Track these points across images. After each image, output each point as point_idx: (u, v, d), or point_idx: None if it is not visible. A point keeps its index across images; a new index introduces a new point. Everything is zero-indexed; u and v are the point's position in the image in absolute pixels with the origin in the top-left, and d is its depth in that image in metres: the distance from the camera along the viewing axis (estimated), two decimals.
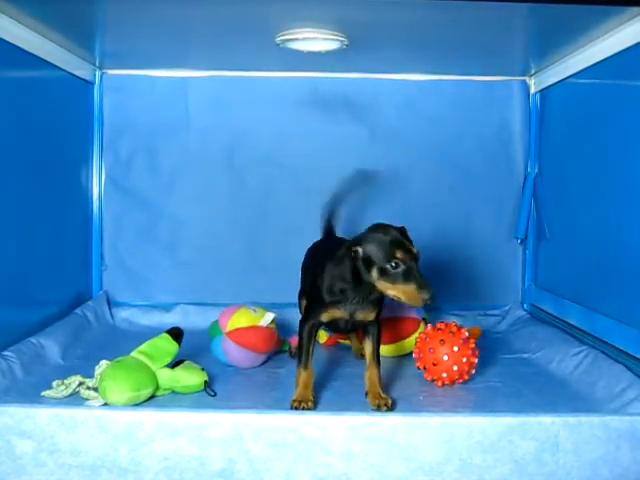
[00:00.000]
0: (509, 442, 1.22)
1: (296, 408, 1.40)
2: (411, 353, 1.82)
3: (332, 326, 1.57)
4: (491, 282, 2.33)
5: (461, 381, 1.62)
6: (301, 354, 1.50)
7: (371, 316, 1.52)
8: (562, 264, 2.06)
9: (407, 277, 1.37)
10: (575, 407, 1.44)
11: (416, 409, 1.44)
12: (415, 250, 1.41)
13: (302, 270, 1.80)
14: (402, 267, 1.38)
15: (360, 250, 1.41)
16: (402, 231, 1.44)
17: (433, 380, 1.62)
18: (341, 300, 1.48)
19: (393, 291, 1.39)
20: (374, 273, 1.40)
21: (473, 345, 1.62)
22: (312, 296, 1.55)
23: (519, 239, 2.31)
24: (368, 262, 1.40)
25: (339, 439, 1.21)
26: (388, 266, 1.38)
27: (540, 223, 2.22)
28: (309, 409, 1.40)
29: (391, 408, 1.44)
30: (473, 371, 1.63)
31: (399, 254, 1.38)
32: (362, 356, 1.84)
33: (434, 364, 1.60)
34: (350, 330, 1.63)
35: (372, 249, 1.40)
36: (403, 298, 1.39)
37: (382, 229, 1.43)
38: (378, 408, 1.43)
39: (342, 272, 1.45)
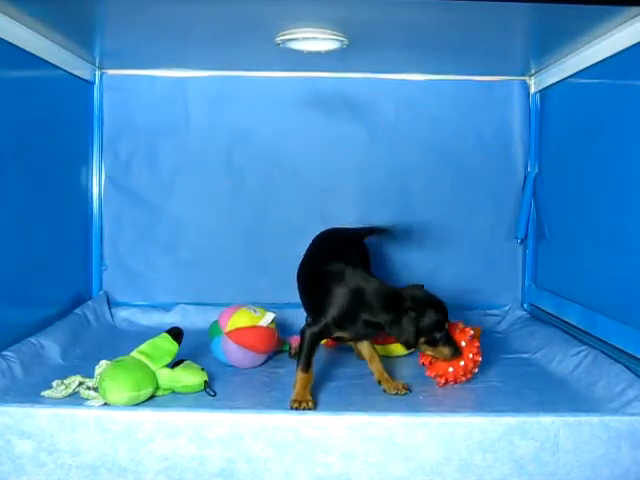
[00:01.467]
0: (509, 442, 1.22)
1: (296, 408, 1.40)
2: (409, 354, 1.82)
3: (335, 338, 1.62)
4: (491, 282, 2.33)
5: (463, 379, 1.62)
6: (301, 357, 1.51)
7: (371, 337, 1.63)
8: (562, 264, 2.06)
9: (446, 342, 1.56)
10: (575, 407, 1.44)
11: (416, 409, 1.44)
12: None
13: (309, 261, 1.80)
14: (443, 335, 1.56)
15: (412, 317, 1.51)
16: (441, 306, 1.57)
17: (436, 377, 1.62)
18: (351, 327, 1.55)
19: (432, 352, 1.57)
20: (420, 338, 1.54)
21: (477, 344, 1.64)
22: (322, 310, 1.55)
23: (519, 239, 2.31)
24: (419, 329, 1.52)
25: (339, 439, 1.22)
26: (437, 335, 1.54)
27: (540, 223, 2.22)
28: (309, 409, 1.41)
29: (408, 390, 1.56)
30: (476, 370, 1.64)
31: (445, 326, 1.56)
32: (361, 356, 1.84)
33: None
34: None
35: (428, 322, 1.53)
36: (439, 356, 1.58)
37: (435, 304, 1.56)
38: (398, 392, 1.54)
39: (367, 307, 1.53)
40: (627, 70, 1.62)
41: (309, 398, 1.45)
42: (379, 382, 1.58)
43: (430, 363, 1.64)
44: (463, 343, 1.61)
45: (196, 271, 2.30)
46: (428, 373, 1.64)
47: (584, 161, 1.89)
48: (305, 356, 1.51)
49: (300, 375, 1.49)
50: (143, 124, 2.28)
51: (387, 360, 1.82)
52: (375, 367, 1.62)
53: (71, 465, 1.21)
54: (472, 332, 1.64)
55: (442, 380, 1.62)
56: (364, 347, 1.64)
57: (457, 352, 1.56)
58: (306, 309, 1.71)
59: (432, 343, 1.55)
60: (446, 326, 1.56)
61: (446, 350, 1.55)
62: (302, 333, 1.54)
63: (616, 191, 1.68)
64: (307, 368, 1.50)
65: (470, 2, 1.40)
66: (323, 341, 1.97)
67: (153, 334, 1.58)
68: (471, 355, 1.61)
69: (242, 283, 2.28)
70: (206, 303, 2.22)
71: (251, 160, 2.30)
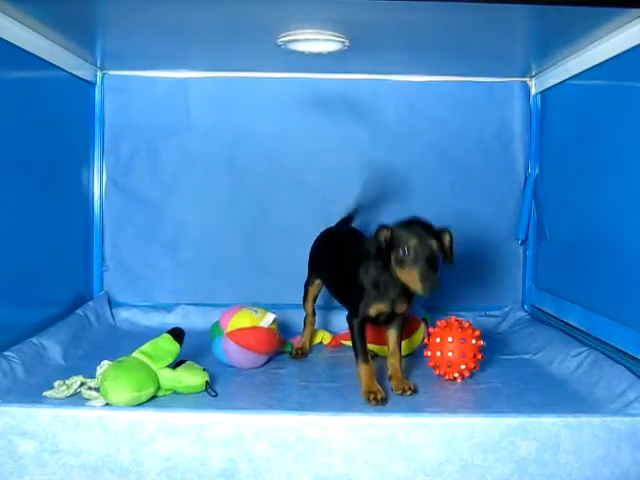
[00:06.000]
0: (510, 442, 1.22)
1: (372, 400, 1.47)
2: (411, 354, 1.83)
3: (374, 320, 1.61)
4: (491, 283, 2.33)
5: (472, 365, 1.65)
6: (357, 349, 1.56)
7: (404, 308, 1.60)
8: (562, 265, 2.06)
9: (414, 264, 1.46)
10: (576, 408, 1.44)
11: (417, 410, 1.45)
12: (434, 246, 1.48)
13: (316, 258, 1.89)
14: (412, 255, 1.46)
15: (386, 233, 1.50)
16: (434, 230, 1.51)
17: (434, 367, 1.67)
18: (384, 294, 1.56)
19: (402, 275, 1.49)
20: (392, 257, 1.49)
21: (480, 344, 1.67)
22: (356, 292, 1.59)
23: (520, 240, 2.31)
24: (390, 246, 1.49)
25: (340, 439, 1.22)
26: (401, 252, 1.47)
27: (540, 224, 2.23)
28: (383, 400, 1.47)
29: (415, 391, 1.55)
30: (479, 356, 1.66)
31: (413, 242, 1.47)
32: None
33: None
34: (385, 322, 1.65)
35: (396, 234, 1.49)
36: (408, 283, 1.48)
37: (411, 222, 1.52)
38: (403, 392, 1.54)
39: (379, 265, 1.53)
40: (628, 72, 1.62)
41: (379, 388, 1.50)
42: (389, 378, 1.59)
43: (431, 355, 1.67)
44: (462, 340, 1.63)
45: (197, 272, 2.30)
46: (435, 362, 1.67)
47: (585, 162, 1.89)
48: (360, 345, 1.56)
49: (362, 367, 1.54)
50: (144, 125, 2.28)
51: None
52: (392, 362, 1.61)
53: (73, 465, 1.21)
54: (476, 333, 1.66)
55: (438, 371, 1.66)
56: (390, 339, 1.63)
57: (427, 280, 1.44)
58: (343, 302, 1.74)
59: (400, 263, 1.48)
60: (413, 243, 1.47)
61: (412, 272, 1.46)
62: (349, 325, 1.60)
63: (616, 192, 1.69)
64: (366, 358, 1.55)
65: (471, 4, 1.40)
66: (326, 341, 1.98)
67: (154, 334, 1.58)
68: (473, 341, 1.65)
69: (243, 284, 2.28)
70: (207, 304, 2.23)
71: (252, 161, 2.30)
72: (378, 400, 1.47)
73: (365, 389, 1.50)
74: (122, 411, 1.26)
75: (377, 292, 1.56)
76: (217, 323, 1.76)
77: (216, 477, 1.22)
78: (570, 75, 1.96)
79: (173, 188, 2.30)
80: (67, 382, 1.49)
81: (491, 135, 2.31)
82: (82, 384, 1.50)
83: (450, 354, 1.63)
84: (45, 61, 1.83)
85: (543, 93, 2.23)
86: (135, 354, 1.51)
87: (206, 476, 1.22)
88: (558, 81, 2.06)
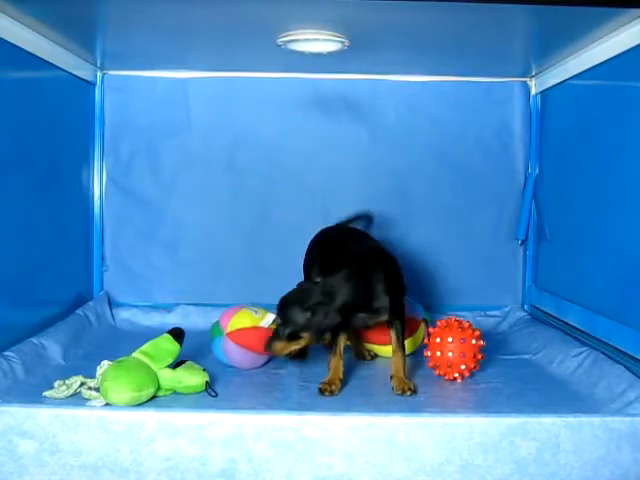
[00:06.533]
0: (510, 442, 1.22)
1: (327, 392, 1.52)
2: (412, 353, 1.83)
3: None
4: (491, 283, 2.33)
5: (472, 365, 1.64)
6: (333, 344, 1.62)
7: (384, 317, 1.61)
8: (562, 265, 2.06)
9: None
10: (576, 408, 1.44)
11: (417, 409, 1.44)
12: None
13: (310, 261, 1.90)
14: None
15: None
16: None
17: (434, 367, 1.66)
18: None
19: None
20: None
21: (480, 344, 1.67)
22: None
23: (520, 240, 2.31)
24: None
25: (340, 439, 1.22)
26: None
27: (541, 224, 2.23)
28: (331, 393, 1.52)
29: (415, 392, 1.54)
30: (479, 356, 1.65)
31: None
32: (362, 357, 1.85)
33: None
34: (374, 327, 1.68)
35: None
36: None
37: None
38: (402, 392, 1.53)
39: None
40: (628, 72, 1.62)
41: (336, 382, 1.54)
42: (391, 378, 1.58)
43: (431, 355, 1.67)
44: (462, 340, 1.63)
45: (197, 271, 2.30)
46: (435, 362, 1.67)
47: (585, 162, 1.89)
48: (335, 342, 1.62)
49: (331, 360, 1.60)
50: (144, 125, 2.28)
51: (388, 360, 1.83)
52: (393, 361, 1.60)
53: (73, 465, 1.21)
54: (476, 333, 1.66)
55: (438, 371, 1.66)
56: (392, 339, 1.62)
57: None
58: None
59: None
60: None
61: None
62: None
63: (616, 192, 1.69)
64: (335, 351, 1.60)
65: (471, 4, 1.40)
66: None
67: (154, 334, 1.58)
68: (474, 341, 1.64)
69: (243, 284, 2.28)
70: (207, 304, 2.23)
71: (252, 161, 2.30)
72: (332, 392, 1.52)
73: (326, 380, 1.54)
74: (122, 411, 1.26)
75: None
76: (217, 323, 1.76)
77: (216, 477, 1.22)
78: (570, 75, 1.96)
79: (173, 188, 2.31)
80: (67, 382, 1.49)
81: (491, 135, 2.31)
82: (82, 384, 1.50)
83: (450, 354, 1.63)
84: (45, 61, 1.83)
85: (543, 93, 2.23)
86: (135, 354, 1.51)
87: (206, 476, 1.22)
88: (558, 81, 2.06)
